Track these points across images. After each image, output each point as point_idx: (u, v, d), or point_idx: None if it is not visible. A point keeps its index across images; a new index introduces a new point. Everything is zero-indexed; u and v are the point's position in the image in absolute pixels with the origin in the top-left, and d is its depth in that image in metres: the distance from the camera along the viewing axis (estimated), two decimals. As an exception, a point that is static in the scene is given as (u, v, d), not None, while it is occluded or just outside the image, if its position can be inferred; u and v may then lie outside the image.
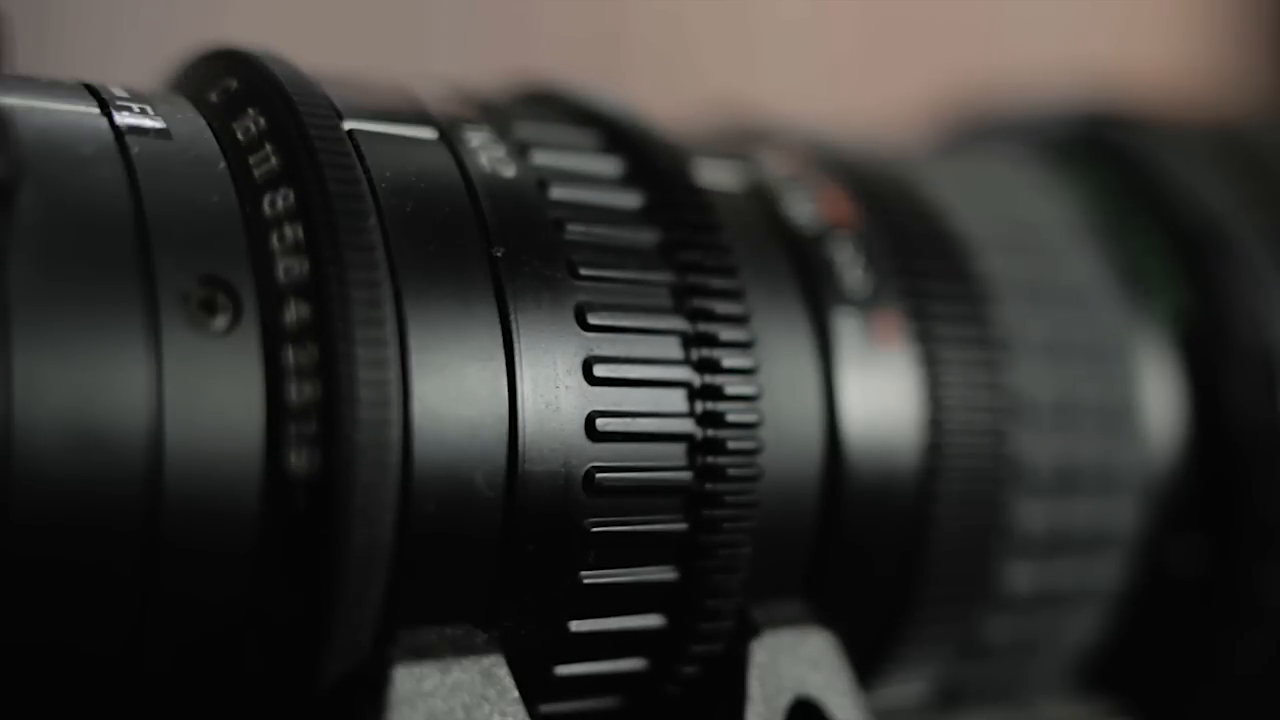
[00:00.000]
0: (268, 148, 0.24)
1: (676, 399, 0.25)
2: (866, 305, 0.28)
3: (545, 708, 0.26)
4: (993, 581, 0.30)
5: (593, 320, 0.25)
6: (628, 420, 0.25)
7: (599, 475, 0.24)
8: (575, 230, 0.25)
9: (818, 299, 0.28)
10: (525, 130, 0.27)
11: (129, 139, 0.23)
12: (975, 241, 0.31)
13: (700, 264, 0.26)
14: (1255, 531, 0.33)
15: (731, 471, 0.26)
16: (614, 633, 0.25)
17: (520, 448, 0.24)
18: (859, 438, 0.28)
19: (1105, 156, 0.36)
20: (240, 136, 0.24)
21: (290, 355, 0.22)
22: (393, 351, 0.23)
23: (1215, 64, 0.67)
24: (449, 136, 0.26)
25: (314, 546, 0.22)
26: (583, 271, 0.25)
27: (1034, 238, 0.33)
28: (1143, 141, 0.36)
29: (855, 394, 0.28)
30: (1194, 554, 0.33)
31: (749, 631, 0.26)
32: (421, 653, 0.23)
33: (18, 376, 0.20)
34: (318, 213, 0.23)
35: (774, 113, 0.33)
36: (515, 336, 0.24)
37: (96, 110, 0.24)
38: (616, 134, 0.28)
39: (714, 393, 0.26)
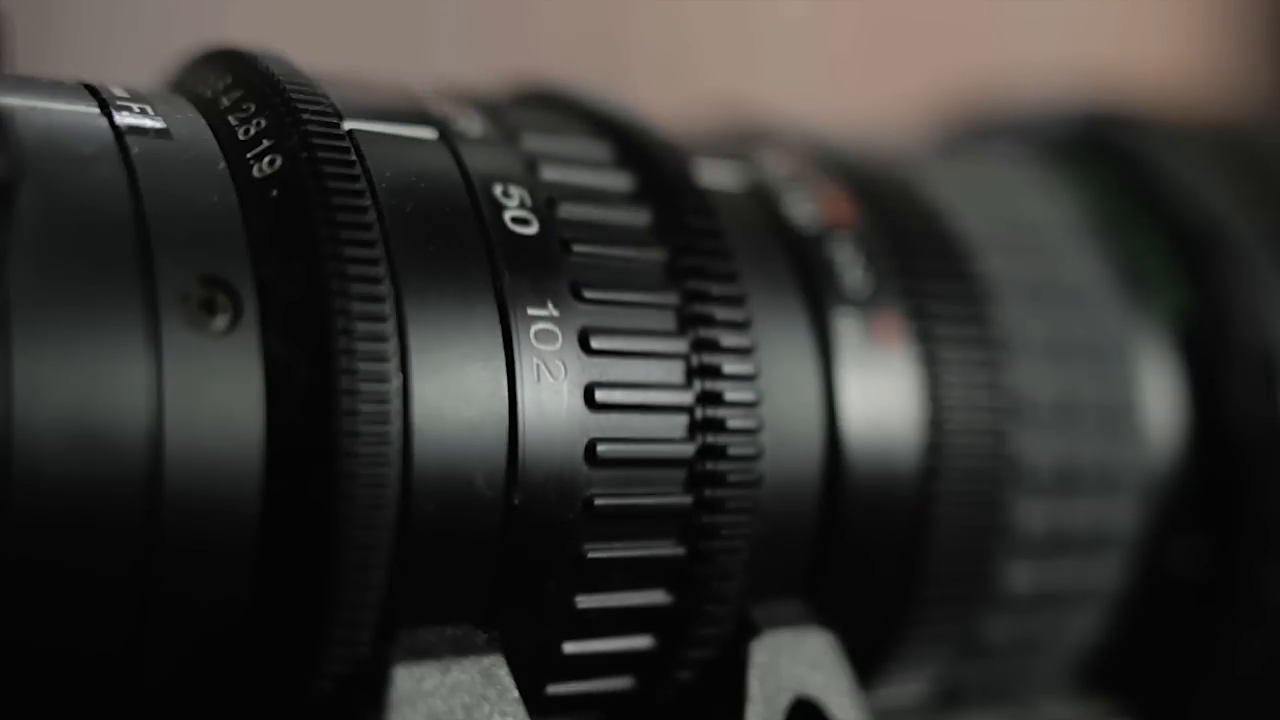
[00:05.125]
0: (267, 147, 0.24)
1: (677, 424, 0.25)
2: (866, 305, 0.28)
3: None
4: (993, 581, 0.30)
5: (595, 345, 0.25)
6: (626, 445, 0.25)
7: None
8: (581, 251, 0.25)
9: (818, 299, 0.28)
10: (531, 143, 0.27)
11: (129, 139, 0.23)
12: (975, 241, 0.31)
13: (702, 269, 0.26)
14: (1255, 531, 0.33)
15: (732, 478, 0.25)
16: (609, 648, 0.25)
17: (520, 448, 0.24)
18: (859, 438, 0.28)
19: (1105, 156, 0.36)
20: (240, 136, 0.24)
21: (290, 355, 0.22)
22: (393, 351, 0.23)
23: (1215, 64, 0.67)
24: (449, 137, 0.26)
25: (314, 546, 0.22)
26: (586, 294, 0.25)
27: (1034, 238, 0.33)
28: (1143, 141, 0.36)
29: (855, 394, 0.28)
30: (1194, 554, 0.33)
31: (749, 631, 0.26)
32: (421, 653, 0.23)
33: (18, 376, 0.20)
34: (317, 212, 0.23)
35: (774, 112, 0.33)
36: (515, 337, 0.24)
37: (96, 110, 0.24)
38: (622, 146, 0.27)
39: (714, 399, 0.25)
